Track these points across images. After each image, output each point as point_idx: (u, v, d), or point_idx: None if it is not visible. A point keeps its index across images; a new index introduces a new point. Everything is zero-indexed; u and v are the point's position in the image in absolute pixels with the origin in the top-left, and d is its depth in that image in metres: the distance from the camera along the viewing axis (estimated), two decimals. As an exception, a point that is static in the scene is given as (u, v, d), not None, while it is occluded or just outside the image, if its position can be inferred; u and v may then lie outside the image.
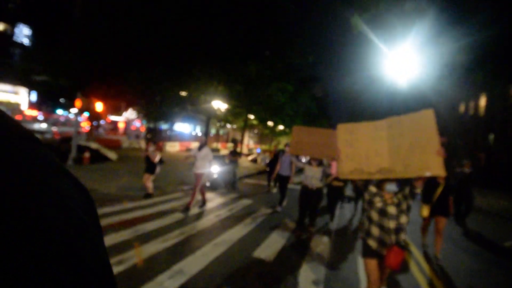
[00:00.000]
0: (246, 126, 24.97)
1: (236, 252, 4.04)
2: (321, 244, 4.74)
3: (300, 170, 6.03)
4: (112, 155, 12.39)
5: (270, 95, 14.93)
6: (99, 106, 9.86)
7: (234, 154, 9.62)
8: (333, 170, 4.48)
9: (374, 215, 2.58)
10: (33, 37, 32.29)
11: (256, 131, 37.15)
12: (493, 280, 4.12)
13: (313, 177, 4.85)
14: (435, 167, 2.28)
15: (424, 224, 4.92)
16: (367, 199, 2.68)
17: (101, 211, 5.13)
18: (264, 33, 12.82)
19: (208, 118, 14.44)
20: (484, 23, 6.47)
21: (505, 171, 14.54)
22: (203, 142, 6.16)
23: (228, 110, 16.05)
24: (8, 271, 0.16)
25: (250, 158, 19.92)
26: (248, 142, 41.09)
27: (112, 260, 3.32)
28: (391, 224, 2.48)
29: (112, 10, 13.25)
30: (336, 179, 5.55)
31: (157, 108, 17.29)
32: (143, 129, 28.68)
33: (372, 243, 2.56)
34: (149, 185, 6.56)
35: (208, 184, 6.17)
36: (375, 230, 2.56)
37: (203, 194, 6.21)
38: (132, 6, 13.04)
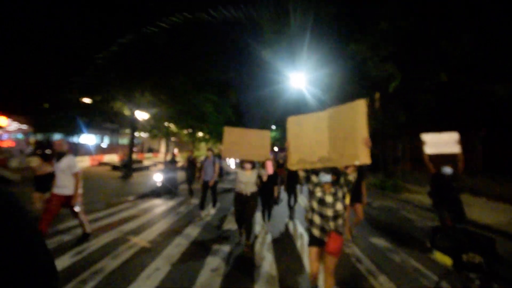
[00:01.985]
0: (168, 135, 24.58)
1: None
2: (265, 259, 4.07)
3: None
4: (12, 175, 10.44)
5: (196, 105, 15.93)
6: (2, 121, 8.24)
7: (173, 163, 10.37)
8: (269, 169, 4.10)
9: (315, 205, 2.69)
10: None
11: (173, 139, 36.35)
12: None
13: (247, 182, 4.37)
14: (362, 156, 2.41)
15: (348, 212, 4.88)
16: (310, 190, 2.80)
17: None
18: (190, 48, 13.76)
19: (133, 129, 14.11)
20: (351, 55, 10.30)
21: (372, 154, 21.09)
22: (65, 149, 4.39)
23: (150, 120, 15.97)
24: None
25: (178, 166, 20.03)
26: (171, 151, 39.31)
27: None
28: (329, 212, 2.59)
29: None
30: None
31: (48, 117, 14.57)
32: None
33: (315, 231, 2.67)
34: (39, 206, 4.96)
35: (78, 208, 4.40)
36: (316, 219, 2.67)
37: (81, 222, 4.48)
38: None
